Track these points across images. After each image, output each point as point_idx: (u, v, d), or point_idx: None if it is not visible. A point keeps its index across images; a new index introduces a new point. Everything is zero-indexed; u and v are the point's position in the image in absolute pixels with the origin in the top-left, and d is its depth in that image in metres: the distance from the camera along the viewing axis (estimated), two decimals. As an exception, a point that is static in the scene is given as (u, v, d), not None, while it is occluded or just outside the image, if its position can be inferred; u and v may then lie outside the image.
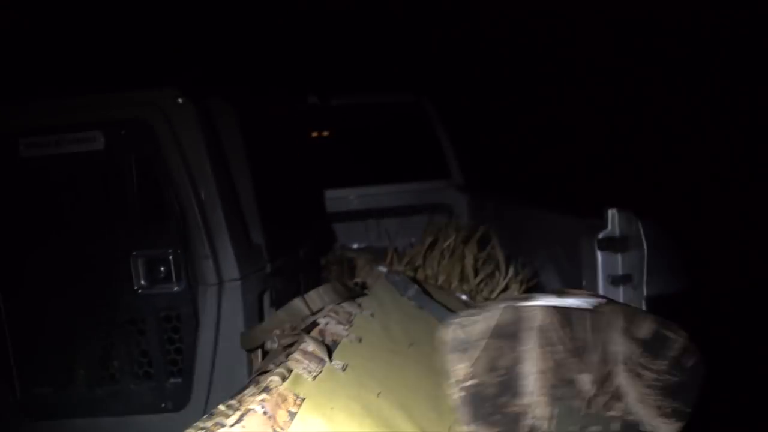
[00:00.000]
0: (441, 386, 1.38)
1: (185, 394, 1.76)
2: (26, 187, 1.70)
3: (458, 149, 3.64)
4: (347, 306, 1.61)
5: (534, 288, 2.11)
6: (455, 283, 2.27)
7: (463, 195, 3.52)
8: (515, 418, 0.91)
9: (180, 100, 1.69)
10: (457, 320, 0.93)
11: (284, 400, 0.98)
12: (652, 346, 0.95)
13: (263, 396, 0.96)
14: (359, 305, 1.64)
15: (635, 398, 0.94)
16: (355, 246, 3.37)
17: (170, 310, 1.74)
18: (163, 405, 1.77)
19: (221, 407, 0.99)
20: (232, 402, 1.01)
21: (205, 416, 0.99)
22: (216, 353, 1.74)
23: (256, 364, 1.66)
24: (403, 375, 1.31)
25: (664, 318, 0.98)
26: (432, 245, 2.46)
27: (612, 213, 1.47)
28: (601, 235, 1.47)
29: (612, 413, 0.93)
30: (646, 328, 0.95)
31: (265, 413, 0.92)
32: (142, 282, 1.72)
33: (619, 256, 1.47)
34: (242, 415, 0.89)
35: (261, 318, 1.85)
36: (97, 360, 1.78)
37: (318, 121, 3.73)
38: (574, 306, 0.94)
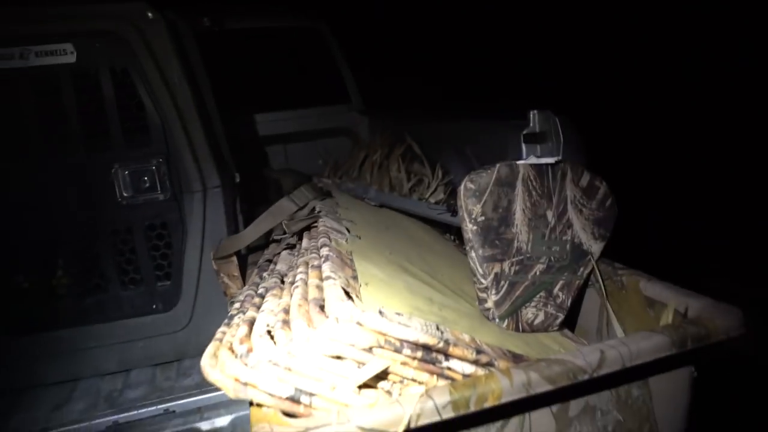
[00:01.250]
0: (425, 246, 1.76)
1: (175, 296, 1.93)
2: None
3: (357, 74, 3.83)
4: (326, 202, 1.88)
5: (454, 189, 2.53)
6: (387, 190, 2.62)
7: (363, 118, 3.77)
8: (509, 242, 1.31)
9: (150, 14, 1.74)
10: (470, 176, 1.28)
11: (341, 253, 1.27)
12: (588, 191, 1.39)
13: (330, 259, 1.22)
14: (336, 202, 1.91)
15: (579, 227, 1.38)
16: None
17: (156, 218, 1.86)
18: (153, 306, 1.92)
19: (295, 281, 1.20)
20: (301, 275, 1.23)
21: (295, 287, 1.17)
22: (203, 255, 1.91)
23: (228, 269, 1.82)
24: (397, 241, 1.65)
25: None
26: (363, 160, 2.77)
27: (533, 113, 1.89)
28: (525, 131, 1.89)
29: (565, 237, 1.37)
30: (584, 178, 1.39)
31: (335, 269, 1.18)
32: (127, 193, 1.81)
33: (538, 147, 1.91)
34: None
35: (236, 223, 2.03)
36: (84, 271, 1.85)
37: (213, 46, 3.67)
38: (544, 162, 1.35)
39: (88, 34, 1.69)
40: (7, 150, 1.70)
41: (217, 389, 1.73)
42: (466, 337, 1.06)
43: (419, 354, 0.96)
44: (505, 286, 1.31)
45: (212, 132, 1.93)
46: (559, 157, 1.36)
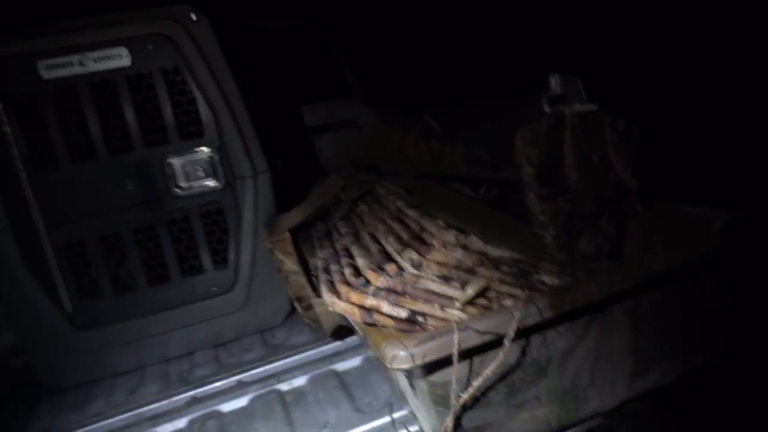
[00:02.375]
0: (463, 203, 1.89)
1: (232, 278, 2.04)
2: (53, 108, 1.75)
3: (357, 68, 3.93)
4: (370, 174, 2.01)
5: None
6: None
7: (367, 108, 3.87)
8: (562, 181, 1.46)
9: (193, 15, 1.86)
10: (526, 127, 1.43)
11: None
12: (623, 135, 1.55)
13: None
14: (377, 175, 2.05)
15: (618, 166, 1.54)
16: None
17: (212, 205, 1.97)
18: (214, 289, 2.02)
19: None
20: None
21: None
22: (256, 237, 2.02)
23: (283, 246, 1.93)
24: (442, 198, 1.78)
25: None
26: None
27: (554, 77, 2.04)
28: (549, 94, 2.04)
29: (608, 176, 1.53)
30: (620, 123, 1.55)
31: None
32: (183, 183, 1.91)
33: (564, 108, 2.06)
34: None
35: (281, 205, 2.14)
36: (146, 262, 1.94)
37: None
38: (586, 110, 1.50)
39: (140, 38, 1.80)
40: (73, 152, 1.79)
41: (286, 356, 1.87)
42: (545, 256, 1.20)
43: (515, 269, 1.09)
44: (562, 220, 1.46)
45: (257, 122, 2.04)
46: (598, 105, 1.51)
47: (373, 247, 1.27)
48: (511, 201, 2.28)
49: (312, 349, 1.92)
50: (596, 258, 1.52)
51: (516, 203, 2.28)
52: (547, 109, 2.08)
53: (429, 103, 3.09)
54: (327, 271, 1.26)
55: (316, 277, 1.41)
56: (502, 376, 1.05)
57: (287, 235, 1.94)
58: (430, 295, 1.07)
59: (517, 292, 1.12)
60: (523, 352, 1.05)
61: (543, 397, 1.11)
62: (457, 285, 1.08)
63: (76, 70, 1.75)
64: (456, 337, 0.96)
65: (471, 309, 1.09)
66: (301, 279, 1.89)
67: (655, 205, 1.54)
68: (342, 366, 1.76)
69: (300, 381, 1.72)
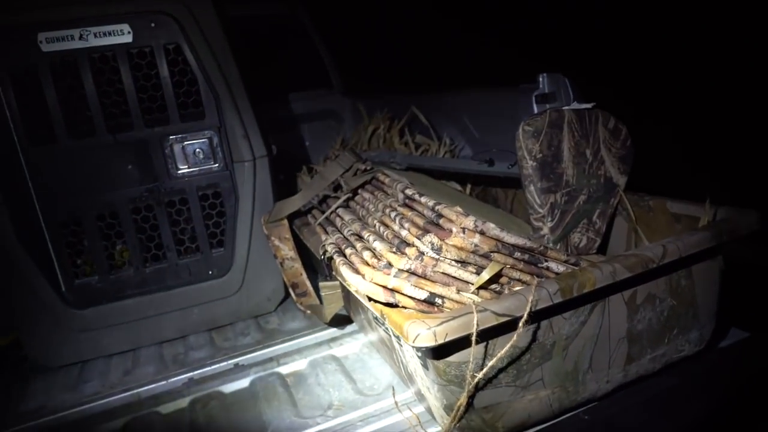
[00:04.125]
0: (460, 196, 1.96)
1: (228, 261, 2.05)
2: (52, 82, 1.72)
3: (338, 57, 3.93)
4: (367, 163, 2.05)
5: (458, 155, 2.74)
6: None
7: (346, 99, 3.88)
8: (560, 176, 1.54)
9: (196, -6, 1.85)
10: (528, 120, 1.50)
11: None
12: (614, 133, 1.65)
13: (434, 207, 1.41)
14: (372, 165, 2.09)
15: (609, 163, 1.63)
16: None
17: (210, 188, 1.98)
18: (210, 272, 2.04)
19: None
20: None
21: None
22: (253, 222, 2.04)
23: (280, 231, 1.95)
24: (439, 192, 1.85)
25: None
26: (371, 134, 2.95)
27: (542, 76, 2.13)
28: (536, 92, 2.13)
29: (600, 172, 1.62)
30: (611, 122, 1.64)
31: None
32: (182, 165, 1.91)
33: (547, 106, 2.16)
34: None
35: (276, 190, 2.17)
36: (143, 243, 1.94)
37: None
38: (583, 108, 1.58)
39: (143, 14, 1.78)
40: (72, 128, 1.77)
41: (282, 341, 1.91)
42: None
43: (526, 256, 1.17)
44: (558, 214, 1.54)
45: (254, 106, 2.05)
46: (594, 104, 1.60)
47: (387, 233, 1.32)
48: (497, 197, 2.38)
49: (308, 334, 1.96)
50: (587, 251, 1.62)
51: (503, 199, 2.39)
52: (535, 106, 2.18)
53: (414, 96, 3.15)
54: (342, 254, 1.30)
55: (325, 262, 1.45)
56: (512, 359, 1.13)
57: (285, 221, 1.97)
58: (448, 278, 1.13)
59: (527, 278, 1.20)
60: (533, 335, 1.13)
61: (547, 378, 1.19)
62: (473, 270, 1.15)
63: (77, 44, 1.73)
64: (475, 317, 1.03)
65: (484, 293, 1.16)
66: (297, 265, 1.93)
67: (641, 201, 1.64)
68: (340, 351, 1.81)
69: (299, 365, 1.76)
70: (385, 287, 1.09)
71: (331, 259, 1.37)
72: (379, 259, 1.17)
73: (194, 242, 2.01)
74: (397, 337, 1.17)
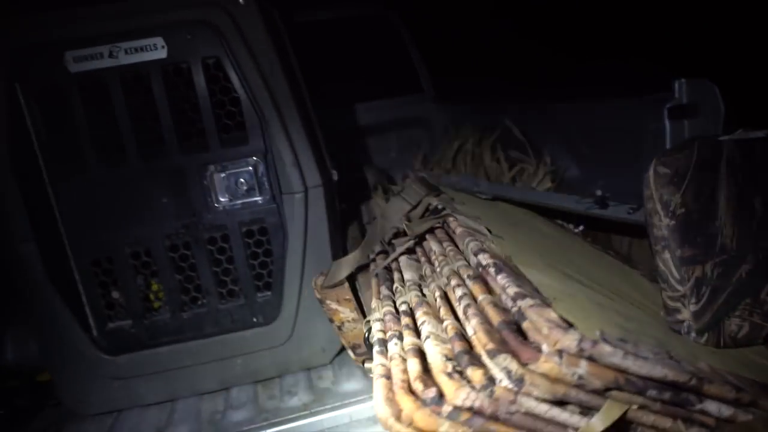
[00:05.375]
0: (562, 243, 1.52)
1: (276, 307, 1.76)
2: (81, 104, 1.52)
3: (430, 62, 3.60)
4: (442, 198, 1.66)
5: (563, 179, 2.25)
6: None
7: (437, 107, 3.53)
8: (712, 239, 1.06)
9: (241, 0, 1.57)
10: (660, 159, 1.03)
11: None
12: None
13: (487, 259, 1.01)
14: (451, 197, 1.69)
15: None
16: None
17: (255, 224, 1.70)
18: (254, 320, 1.76)
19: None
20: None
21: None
22: (305, 262, 1.73)
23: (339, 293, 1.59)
24: (534, 240, 1.42)
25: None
26: (457, 150, 2.54)
27: (680, 82, 1.61)
28: (670, 104, 1.61)
29: (771, 230, 1.10)
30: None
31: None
32: (223, 197, 1.65)
33: (686, 123, 1.63)
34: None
35: (336, 225, 1.84)
36: (180, 283, 1.71)
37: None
38: (753, 137, 1.08)
39: (179, 26, 1.53)
40: (102, 156, 1.56)
41: (333, 407, 1.58)
42: (720, 369, 0.81)
43: (667, 395, 0.72)
44: (707, 292, 1.06)
45: (310, 126, 1.75)
46: (764, 133, 1.09)
47: (448, 323, 0.93)
48: (610, 240, 1.89)
49: (363, 402, 1.61)
50: (749, 342, 1.12)
51: (617, 243, 1.89)
52: (667, 122, 1.66)
53: (511, 106, 2.70)
54: (383, 353, 0.93)
55: (368, 343, 1.09)
56: None
57: (345, 282, 1.63)
58: (536, 422, 0.72)
59: (667, 424, 0.75)
60: None
61: None
62: (576, 409, 0.73)
63: (107, 62, 1.51)
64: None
65: (592, 445, 0.74)
66: (360, 326, 1.59)
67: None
68: None
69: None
70: (432, 435, 0.71)
71: (372, 345, 1.01)
72: (427, 383, 0.78)
73: (237, 285, 1.74)
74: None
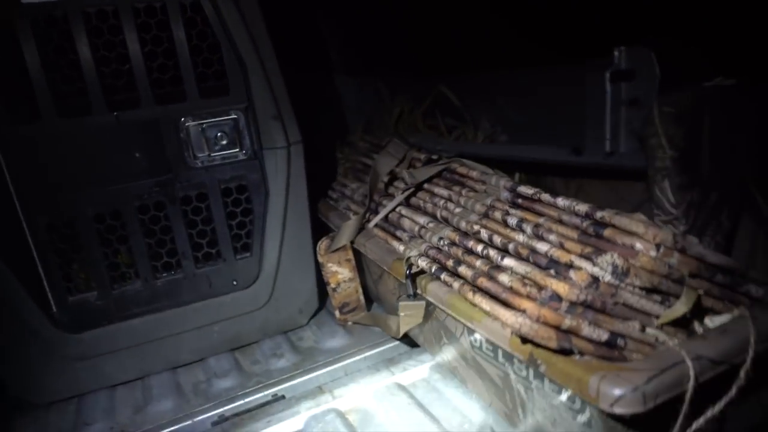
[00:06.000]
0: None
1: (255, 269, 1.70)
2: (35, 44, 1.32)
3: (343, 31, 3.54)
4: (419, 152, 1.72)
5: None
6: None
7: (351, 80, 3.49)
8: (696, 169, 1.25)
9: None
10: (662, 100, 1.20)
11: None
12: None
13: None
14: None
15: (741, 152, 1.36)
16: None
17: (234, 181, 1.61)
18: (234, 282, 1.68)
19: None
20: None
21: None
22: (285, 221, 1.68)
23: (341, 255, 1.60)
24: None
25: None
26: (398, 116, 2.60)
27: (620, 49, 1.82)
28: (611, 70, 1.82)
29: (737, 163, 1.34)
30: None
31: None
32: (200, 152, 1.54)
33: (622, 86, 1.85)
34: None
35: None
36: (153, 249, 1.56)
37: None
38: (728, 84, 1.28)
39: (153, -41, 1.38)
40: (61, 103, 1.37)
41: (325, 363, 1.59)
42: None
43: (728, 279, 0.87)
44: (692, 215, 1.26)
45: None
46: (734, 80, 1.31)
47: (513, 245, 1.00)
48: (555, 188, 2.08)
49: (355, 354, 1.63)
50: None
51: (562, 191, 2.09)
52: (608, 87, 1.87)
53: (443, 75, 2.80)
54: (447, 270, 0.98)
55: (410, 278, 1.12)
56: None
57: (348, 245, 1.61)
58: (630, 311, 0.83)
59: (720, 306, 0.90)
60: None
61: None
62: (658, 298, 0.85)
63: (69, -5, 1.32)
64: (691, 369, 0.73)
65: (669, 329, 0.86)
66: (355, 284, 1.61)
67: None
68: (406, 378, 1.49)
69: (360, 397, 1.44)
70: (557, 328, 0.78)
71: (415, 275, 1.05)
72: (527, 287, 0.85)
73: (215, 247, 1.64)
74: (538, 378, 0.85)
